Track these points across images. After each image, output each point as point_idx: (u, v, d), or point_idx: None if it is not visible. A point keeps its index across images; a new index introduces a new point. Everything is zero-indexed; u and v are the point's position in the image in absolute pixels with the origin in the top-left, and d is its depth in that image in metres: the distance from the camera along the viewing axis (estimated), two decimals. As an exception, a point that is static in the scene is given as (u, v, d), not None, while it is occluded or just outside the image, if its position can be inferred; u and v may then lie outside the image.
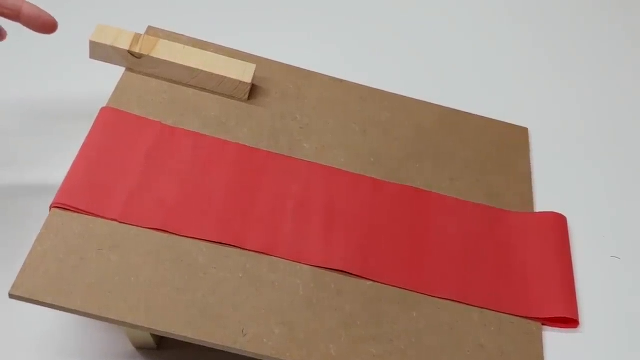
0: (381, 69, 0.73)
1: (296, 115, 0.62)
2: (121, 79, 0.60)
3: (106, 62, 0.59)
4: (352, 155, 0.60)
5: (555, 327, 0.55)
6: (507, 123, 0.67)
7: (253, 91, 0.62)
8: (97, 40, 0.58)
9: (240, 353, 0.48)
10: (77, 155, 0.54)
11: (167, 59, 0.59)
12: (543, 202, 0.62)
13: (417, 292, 0.53)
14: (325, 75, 0.66)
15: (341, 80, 0.66)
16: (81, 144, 0.55)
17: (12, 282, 0.46)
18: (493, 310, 0.54)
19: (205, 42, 0.64)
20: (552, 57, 0.78)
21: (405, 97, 0.66)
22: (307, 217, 0.55)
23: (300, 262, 0.52)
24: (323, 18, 0.80)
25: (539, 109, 0.72)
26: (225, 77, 0.59)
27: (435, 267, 0.55)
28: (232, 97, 0.61)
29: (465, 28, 0.81)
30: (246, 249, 0.52)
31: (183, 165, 0.55)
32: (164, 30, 0.64)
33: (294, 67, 0.65)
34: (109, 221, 0.51)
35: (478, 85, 0.74)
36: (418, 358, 0.50)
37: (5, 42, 0.70)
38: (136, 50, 0.58)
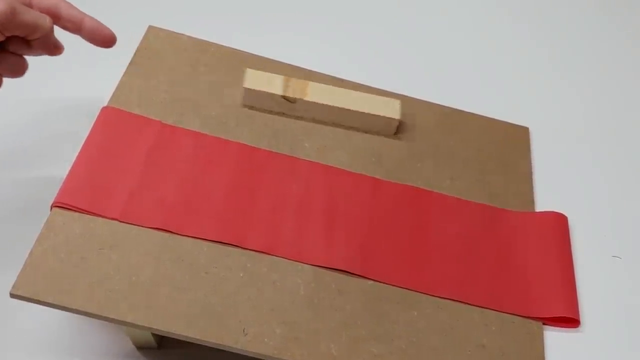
0: (381, 69, 0.73)
1: (297, 115, 0.62)
2: (121, 79, 0.60)
3: (258, 106, 0.60)
4: (353, 155, 0.60)
5: (556, 326, 0.55)
6: (507, 122, 0.67)
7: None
8: (251, 87, 0.59)
9: (241, 352, 0.48)
10: (78, 154, 0.54)
11: (320, 102, 0.60)
12: (544, 202, 0.62)
13: (418, 292, 0.53)
14: (326, 74, 0.66)
15: (342, 80, 0.66)
16: (82, 144, 0.55)
17: (13, 282, 0.46)
18: (494, 310, 0.54)
19: (206, 41, 0.64)
20: (552, 57, 0.78)
21: (405, 96, 0.66)
22: (307, 217, 0.55)
23: (300, 262, 0.52)
24: (323, 18, 0.80)
25: (539, 109, 0.72)
26: (377, 116, 0.61)
27: (436, 266, 0.55)
28: (377, 133, 0.62)
29: (466, 28, 0.81)
30: (247, 249, 0.52)
31: (184, 164, 0.55)
32: (164, 30, 0.64)
33: (295, 66, 0.65)
34: (110, 220, 0.51)
35: (478, 85, 0.74)
36: (419, 358, 0.50)
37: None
38: (289, 94, 0.60)
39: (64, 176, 0.52)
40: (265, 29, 0.77)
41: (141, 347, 0.53)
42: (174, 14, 0.76)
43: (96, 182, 0.52)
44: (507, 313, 0.54)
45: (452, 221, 0.58)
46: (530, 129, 0.68)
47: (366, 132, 0.62)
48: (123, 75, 0.60)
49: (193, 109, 0.59)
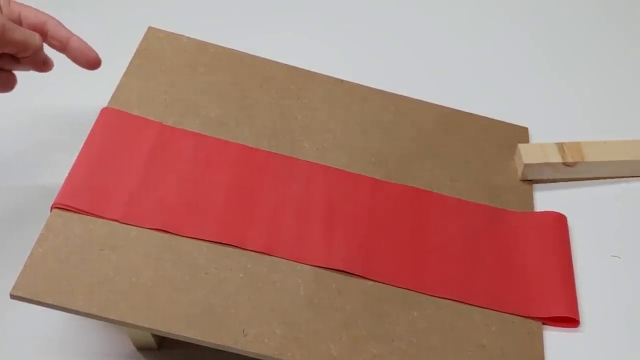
0: (381, 69, 0.73)
1: (297, 115, 0.62)
2: (121, 80, 0.60)
3: (536, 177, 0.62)
4: (352, 155, 0.60)
5: (556, 326, 0.55)
6: (507, 123, 0.67)
7: (250, 89, 0.62)
8: (532, 162, 0.61)
9: (241, 353, 0.48)
10: (78, 155, 0.54)
11: (599, 159, 0.61)
12: (543, 202, 0.62)
13: (418, 292, 0.53)
14: (326, 76, 0.66)
15: (342, 80, 0.66)
16: (82, 145, 0.55)
17: (13, 283, 0.46)
18: (494, 310, 0.54)
19: (206, 42, 0.64)
20: (552, 57, 0.78)
21: (405, 97, 0.66)
22: (307, 217, 0.55)
23: (300, 262, 0.52)
24: (323, 18, 0.80)
25: (539, 109, 0.72)
26: None
27: (436, 266, 0.55)
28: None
29: (465, 28, 0.81)
30: (247, 249, 0.52)
31: (184, 165, 0.55)
32: (164, 31, 0.64)
33: (295, 67, 0.65)
34: (110, 221, 0.51)
35: (478, 85, 0.74)
36: (419, 358, 0.50)
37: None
38: (569, 160, 0.61)
39: (64, 177, 0.52)
40: (265, 29, 0.77)
41: (141, 348, 0.53)
42: (174, 15, 0.76)
43: (96, 183, 0.52)
44: (507, 313, 0.54)
45: (452, 221, 0.58)
46: (530, 129, 0.68)
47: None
48: (123, 76, 0.60)
49: (193, 110, 0.59)
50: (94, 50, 0.54)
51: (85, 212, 0.51)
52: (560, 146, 0.62)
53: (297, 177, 0.57)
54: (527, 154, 0.62)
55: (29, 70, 0.54)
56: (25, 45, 0.50)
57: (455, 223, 0.58)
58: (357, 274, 0.53)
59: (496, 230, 0.59)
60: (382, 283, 0.53)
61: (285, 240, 0.53)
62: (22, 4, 0.53)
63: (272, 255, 0.52)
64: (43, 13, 0.54)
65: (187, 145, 0.57)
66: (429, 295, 0.53)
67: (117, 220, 0.51)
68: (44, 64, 0.54)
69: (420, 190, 0.59)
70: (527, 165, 0.61)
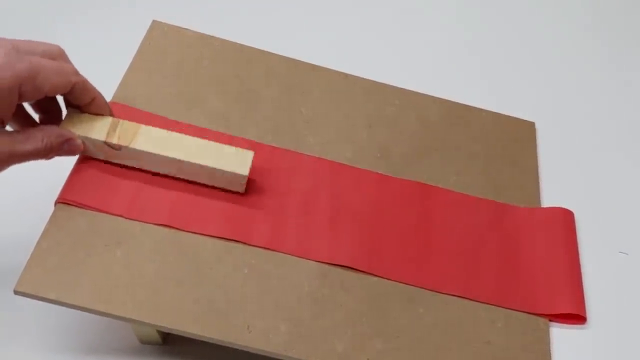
0: (386, 63, 0.73)
1: (301, 110, 0.62)
2: (126, 74, 0.59)
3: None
4: (357, 149, 0.60)
5: (563, 323, 0.54)
6: (513, 117, 0.67)
7: (255, 83, 0.62)
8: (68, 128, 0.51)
9: (245, 349, 0.48)
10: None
11: (150, 150, 0.51)
12: (549, 197, 0.62)
13: (423, 288, 0.53)
14: (330, 69, 0.65)
15: (346, 74, 0.65)
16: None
17: (17, 279, 0.46)
18: (500, 307, 0.54)
19: (210, 36, 0.64)
20: (558, 51, 0.77)
21: (410, 91, 0.66)
22: (313, 213, 0.55)
23: (306, 258, 0.52)
24: (328, 11, 0.79)
25: (545, 103, 0.71)
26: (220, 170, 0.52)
27: (442, 263, 0.55)
28: (226, 190, 0.54)
29: (471, 22, 0.80)
30: (252, 245, 0.52)
31: None
32: (168, 25, 0.64)
33: (299, 60, 0.65)
34: (115, 217, 0.51)
35: (484, 80, 0.74)
36: (423, 354, 0.50)
37: (9, 36, 0.70)
38: (114, 141, 0.51)
39: (69, 172, 0.52)
40: (269, 22, 0.77)
41: (146, 343, 0.53)
42: (178, 9, 0.76)
43: (101, 178, 0.52)
44: (514, 309, 0.54)
45: (459, 217, 0.58)
46: (536, 124, 0.67)
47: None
48: (127, 70, 0.60)
49: (197, 104, 0.59)
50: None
51: (89, 207, 0.51)
52: (115, 124, 0.51)
53: (302, 172, 0.57)
54: (71, 122, 0.51)
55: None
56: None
57: (462, 218, 0.58)
58: (363, 270, 0.53)
59: (502, 226, 0.58)
60: (388, 279, 0.53)
61: (290, 236, 0.53)
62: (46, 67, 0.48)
63: (276, 251, 0.52)
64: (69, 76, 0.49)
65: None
66: (434, 291, 0.53)
67: (122, 216, 0.51)
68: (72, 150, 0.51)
69: (426, 186, 0.59)
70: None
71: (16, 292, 0.46)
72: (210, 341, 0.48)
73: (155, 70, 0.60)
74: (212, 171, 0.52)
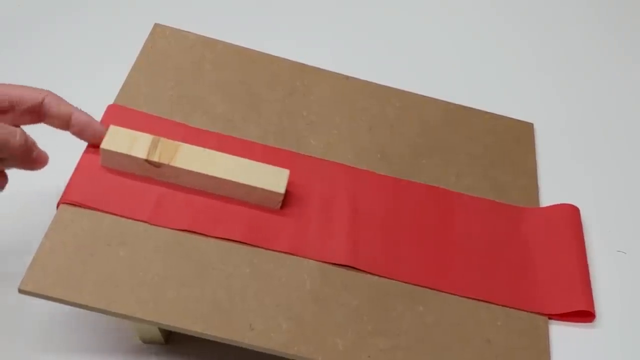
0: (387, 66, 0.73)
1: (303, 112, 0.62)
2: (128, 77, 0.60)
3: (117, 167, 0.53)
4: (358, 151, 0.60)
5: (572, 321, 0.55)
6: (512, 118, 0.67)
7: (260, 84, 0.62)
8: (108, 148, 0.51)
9: (247, 347, 0.48)
10: (84, 151, 0.54)
11: (191, 168, 0.52)
12: (548, 198, 0.62)
13: (426, 287, 0.53)
14: (332, 72, 0.66)
15: (347, 77, 0.66)
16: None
17: (21, 278, 0.47)
18: (504, 306, 0.54)
19: (212, 39, 0.64)
20: (557, 53, 0.78)
21: (411, 93, 0.66)
22: (331, 218, 0.55)
23: (327, 262, 0.52)
24: (329, 14, 0.80)
25: (544, 105, 0.72)
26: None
27: (458, 266, 0.55)
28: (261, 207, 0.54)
29: (471, 24, 0.81)
30: (274, 250, 0.52)
31: None
32: (170, 28, 0.64)
33: (301, 63, 0.65)
34: (117, 217, 0.51)
35: (484, 81, 0.74)
36: (424, 353, 0.50)
37: (11, 40, 0.70)
38: (155, 159, 0.52)
39: (71, 173, 0.52)
40: (271, 25, 0.77)
41: (148, 342, 0.53)
42: (180, 12, 0.76)
43: (103, 179, 0.52)
44: (518, 309, 0.54)
45: (474, 221, 0.58)
46: (535, 125, 0.68)
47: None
48: (129, 73, 0.60)
49: (199, 107, 0.60)
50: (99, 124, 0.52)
51: (92, 207, 0.51)
52: (156, 141, 0.52)
53: (320, 177, 0.57)
54: (112, 139, 0.52)
55: (17, 168, 0.49)
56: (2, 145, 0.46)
57: (477, 223, 0.58)
58: (381, 274, 0.53)
59: (516, 227, 0.59)
60: (397, 280, 0.53)
61: (310, 241, 0.53)
62: (10, 85, 0.48)
63: (298, 256, 0.52)
64: (39, 90, 0.48)
65: (193, 142, 0.57)
66: (436, 290, 0.54)
67: (147, 222, 0.51)
68: (33, 162, 0.49)
69: (441, 190, 0.59)
70: (103, 151, 0.51)
71: (20, 291, 0.46)
72: (213, 339, 0.48)
73: (157, 73, 0.61)
74: (250, 189, 0.53)
